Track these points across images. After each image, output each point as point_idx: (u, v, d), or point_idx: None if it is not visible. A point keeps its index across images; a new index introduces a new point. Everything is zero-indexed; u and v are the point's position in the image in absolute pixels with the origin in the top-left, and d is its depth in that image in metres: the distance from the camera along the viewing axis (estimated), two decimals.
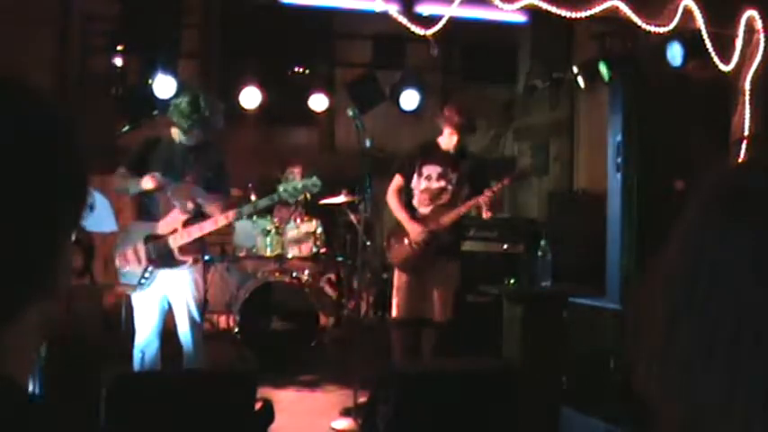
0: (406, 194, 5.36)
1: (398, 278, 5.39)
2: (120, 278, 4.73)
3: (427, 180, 5.34)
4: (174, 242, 4.64)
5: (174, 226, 4.65)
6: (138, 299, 4.73)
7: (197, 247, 4.74)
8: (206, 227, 4.65)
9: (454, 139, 5.30)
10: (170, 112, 4.67)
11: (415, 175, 5.35)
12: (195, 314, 4.73)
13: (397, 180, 5.38)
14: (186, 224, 4.65)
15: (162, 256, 4.65)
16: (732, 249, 0.78)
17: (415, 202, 5.36)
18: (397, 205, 5.35)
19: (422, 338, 5.39)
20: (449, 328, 5.33)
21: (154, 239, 4.66)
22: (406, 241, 5.29)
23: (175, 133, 4.71)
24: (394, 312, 5.41)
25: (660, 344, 0.81)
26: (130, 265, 4.67)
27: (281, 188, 4.74)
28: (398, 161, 5.46)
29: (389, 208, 5.46)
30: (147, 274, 4.65)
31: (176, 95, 5.00)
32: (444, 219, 5.30)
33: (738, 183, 0.83)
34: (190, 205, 4.62)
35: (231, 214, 4.66)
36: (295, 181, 4.91)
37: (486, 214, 5.30)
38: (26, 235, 0.79)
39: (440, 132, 5.40)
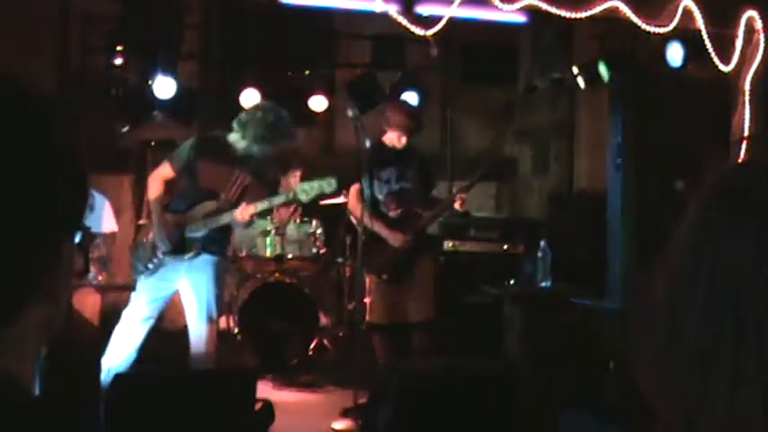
0: (371, 202, 5.22)
1: (373, 283, 5.33)
2: (135, 273, 4.67)
3: (387, 184, 5.29)
4: (189, 231, 4.56)
5: (195, 217, 4.58)
6: (135, 297, 4.60)
7: (210, 241, 4.63)
8: (223, 219, 4.55)
9: (403, 140, 5.23)
10: (243, 121, 4.53)
11: (375, 182, 5.28)
12: (213, 310, 4.61)
13: (356, 189, 5.22)
14: (207, 216, 4.57)
15: (174, 243, 4.55)
16: (733, 249, 0.78)
17: (382, 208, 5.29)
18: (367, 218, 5.15)
19: (410, 340, 5.36)
20: (433, 325, 5.30)
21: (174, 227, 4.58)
22: (386, 248, 5.24)
23: (237, 140, 4.55)
24: (368, 315, 5.37)
25: (661, 344, 0.81)
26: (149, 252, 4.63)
27: (298, 188, 4.65)
28: (354, 170, 5.21)
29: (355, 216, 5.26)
30: (155, 260, 4.57)
31: (253, 107, 4.82)
32: (422, 223, 5.31)
33: (739, 182, 0.83)
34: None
35: (247, 212, 4.49)
36: (312, 181, 4.69)
37: (458, 204, 5.26)
38: (24, 235, 0.79)
39: (383, 132, 5.30)
